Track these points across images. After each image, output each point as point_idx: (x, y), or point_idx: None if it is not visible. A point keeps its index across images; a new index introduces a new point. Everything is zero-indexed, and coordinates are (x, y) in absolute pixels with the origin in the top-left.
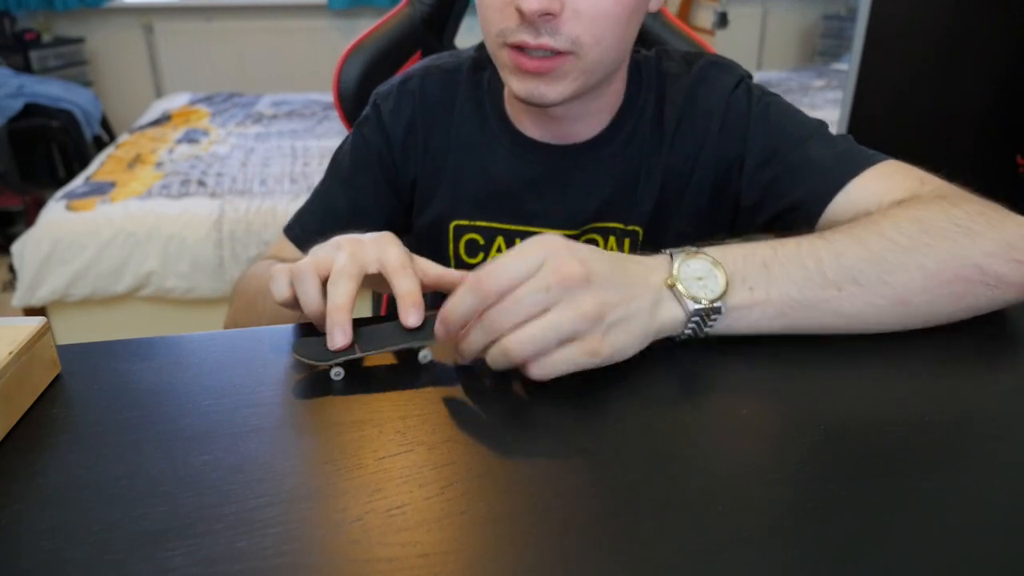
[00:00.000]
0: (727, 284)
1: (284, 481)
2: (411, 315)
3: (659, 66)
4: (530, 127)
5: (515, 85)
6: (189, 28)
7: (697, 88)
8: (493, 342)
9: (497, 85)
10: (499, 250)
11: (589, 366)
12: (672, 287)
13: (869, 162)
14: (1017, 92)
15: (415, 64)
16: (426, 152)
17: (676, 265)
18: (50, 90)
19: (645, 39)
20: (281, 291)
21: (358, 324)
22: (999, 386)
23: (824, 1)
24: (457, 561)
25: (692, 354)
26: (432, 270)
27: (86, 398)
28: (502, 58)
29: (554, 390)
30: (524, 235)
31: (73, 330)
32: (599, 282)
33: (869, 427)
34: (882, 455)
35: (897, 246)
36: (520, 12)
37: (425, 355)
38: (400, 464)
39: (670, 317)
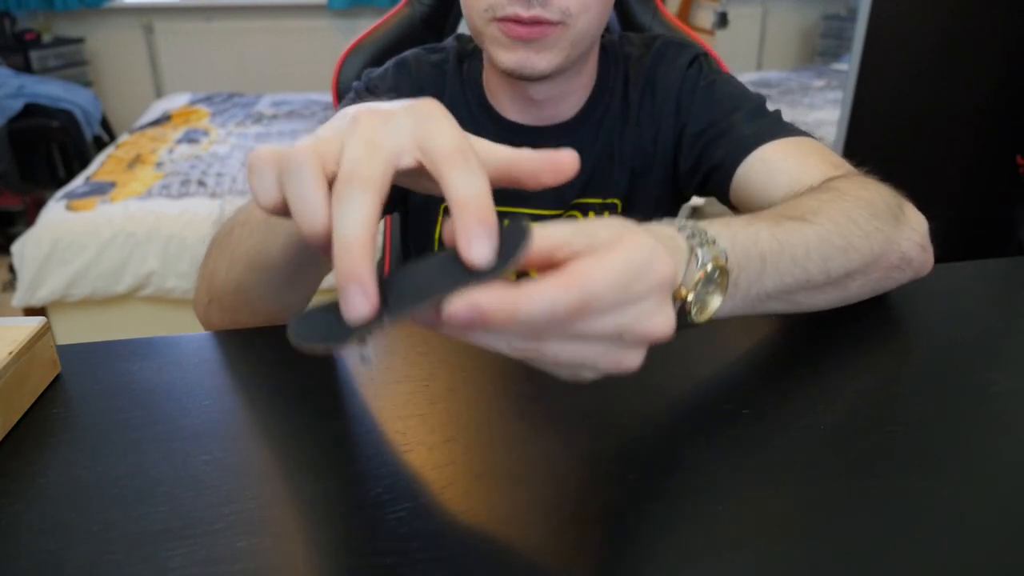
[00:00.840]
0: (720, 301)
1: (284, 481)
2: (480, 244)
3: (623, 49)
4: (512, 111)
5: (504, 57)
6: (189, 28)
7: (656, 67)
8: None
9: (477, 75)
10: None
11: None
12: (683, 299)
13: (785, 133)
14: (1017, 92)
15: (403, 54)
16: None
17: (697, 277)
18: (50, 90)
19: None
20: (266, 190)
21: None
22: (998, 386)
23: (824, 1)
24: (457, 561)
25: (692, 355)
26: (497, 154)
27: (86, 398)
28: (491, 32)
29: (555, 391)
30: (512, 216)
31: (73, 330)
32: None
33: (869, 427)
34: (882, 455)
35: (860, 231)
36: None
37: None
38: (400, 463)
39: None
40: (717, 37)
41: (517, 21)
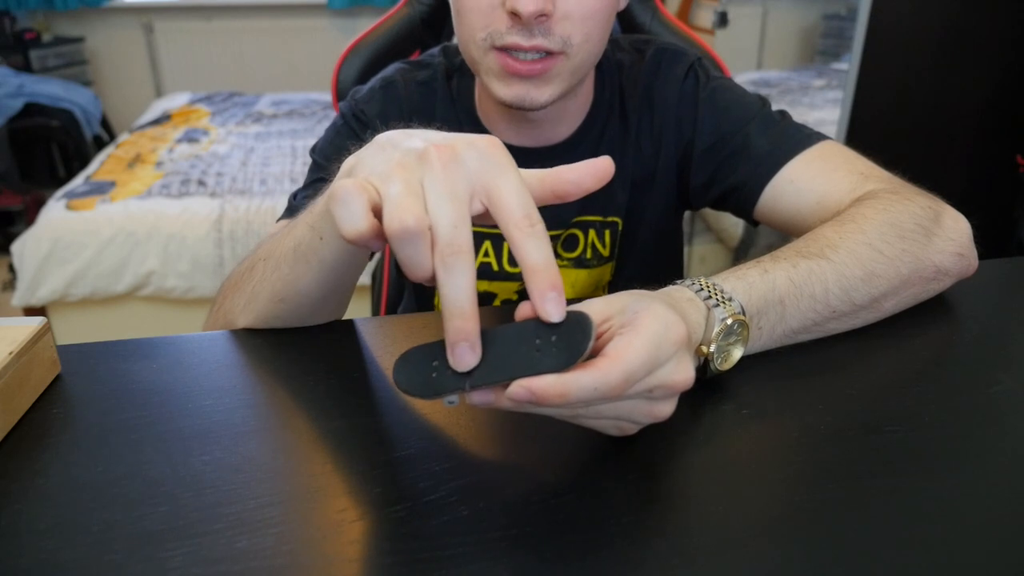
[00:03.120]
0: (743, 350)
1: (284, 481)
2: (552, 304)
3: (614, 57)
4: (505, 132)
5: (502, 90)
6: (189, 28)
7: (652, 80)
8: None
9: (467, 92)
10: (486, 254)
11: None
12: (699, 355)
13: (804, 144)
14: (1017, 92)
15: (389, 68)
16: None
17: (715, 332)
18: (50, 90)
19: None
20: (354, 221)
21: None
22: (998, 386)
23: (824, 1)
24: (457, 561)
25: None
26: (542, 179)
27: (86, 398)
28: (487, 63)
29: None
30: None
31: (73, 330)
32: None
33: (869, 427)
34: (882, 455)
35: (883, 257)
36: (514, 14)
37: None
38: (400, 464)
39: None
40: (717, 37)
41: (517, 50)
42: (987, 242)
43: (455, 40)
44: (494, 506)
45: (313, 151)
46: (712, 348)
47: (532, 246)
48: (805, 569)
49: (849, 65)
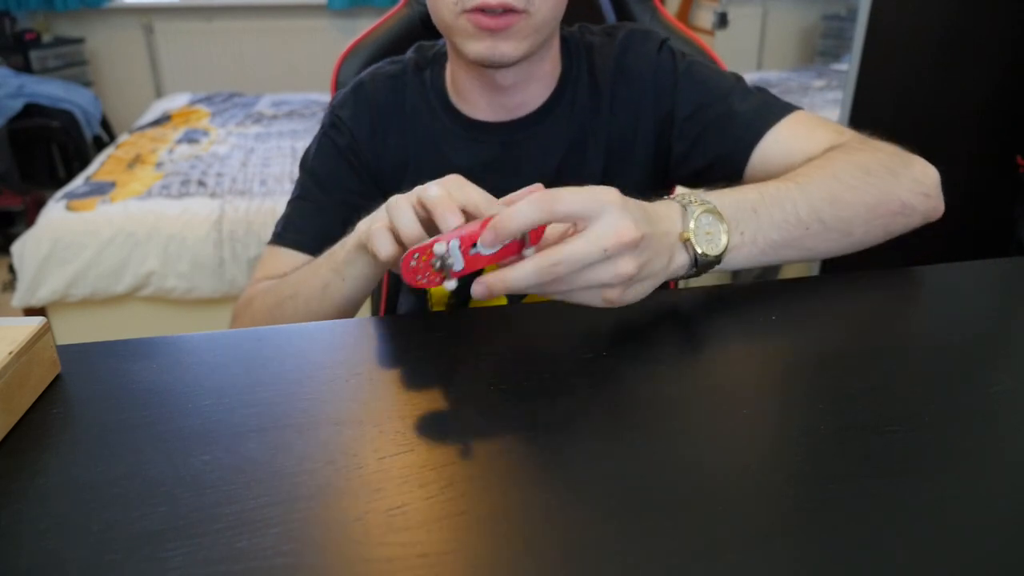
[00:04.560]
0: (727, 243)
1: (284, 481)
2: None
3: (583, 39)
4: (479, 107)
5: (473, 47)
6: (189, 28)
7: (625, 56)
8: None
9: (439, 81)
10: None
11: (599, 307)
12: (686, 241)
13: (783, 113)
14: (1017, 92)
15: (362, 73)
16: (389, 147)
17: (691, 220)
18: (50, 90)
19: None
20: (387, 245)
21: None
22: (998, 386)
23: (824, 1)
24: (457, 561)
25: (691, 355)
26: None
27: (86, 398)
28: (460, 25)
29: (554, 389)
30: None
31: (73, 330)
32: (644, 245)
33: (869, 427)
34: (882, 455)
35: (847, 186)
36: None
37: (452, 283)
38: (400, 464)
39: (680, 265)
40: (717, 37)
41: (486, 8)
42: (987, 242)
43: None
44: (494, 506)
45: (304, 163)
46: (691, 228)
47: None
48: (805, 569)
49: (849, 65)
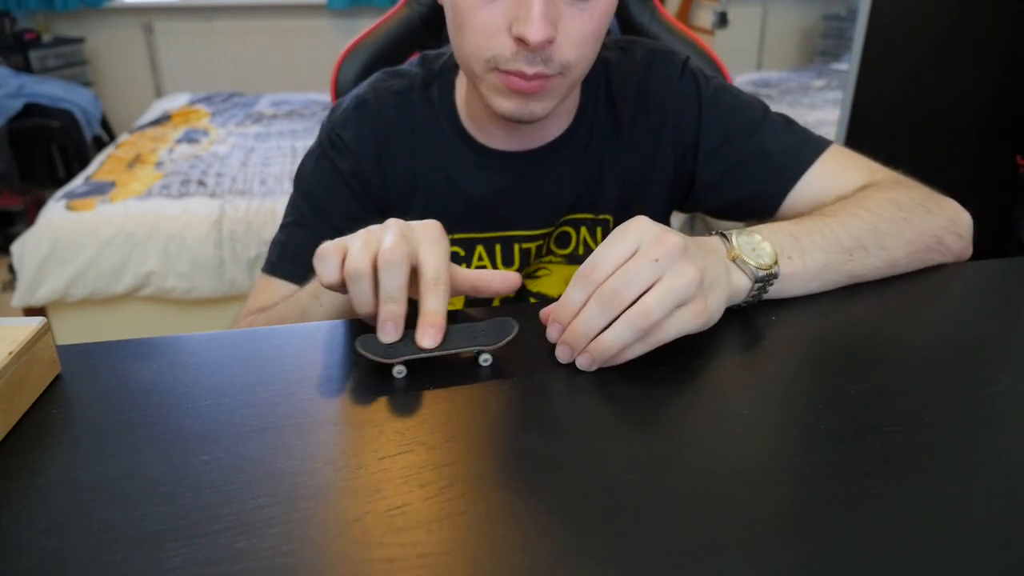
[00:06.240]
0: (775, 255)
1: (284, 481)
2: (427, 336)
3: (599, 54)
4: (494, 137)
5: (503, 104)
6: (189, 28)
7: (646, 80)
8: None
9: (448, 100)
10: (480, 258)
11: (697, 329)
12: (735, 259)
13: (816, 152)
14: (1017, 92)
15: (362, 85)
16: (395, 171)
17: (733, 241)
18: (50, 90)
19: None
20: (331, 272)
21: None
22: (998, 386)
23: (824, 1)
24: (457, 561)
25: (692, 355)
26: (467, 278)
27: (86, 398)
28: (490, 80)
29: (554, 389)
30: (502, 240)
31: (73, 330)
32: (692, 250)
33: (869, 427)
34: (882, 455)
35: (885, 221)
36: (521, 40)
37: (486, 359)
38: (400, 464)
39: (739, 284)
40: (717, 37)
41: (519, 76)
42: (987, 242)
43: (450, 48)
44: (494, 506)
45: (299, 183)
46: (735, 245)
47: (431, 298)
48: (805, 569)
49: (849, 65)
